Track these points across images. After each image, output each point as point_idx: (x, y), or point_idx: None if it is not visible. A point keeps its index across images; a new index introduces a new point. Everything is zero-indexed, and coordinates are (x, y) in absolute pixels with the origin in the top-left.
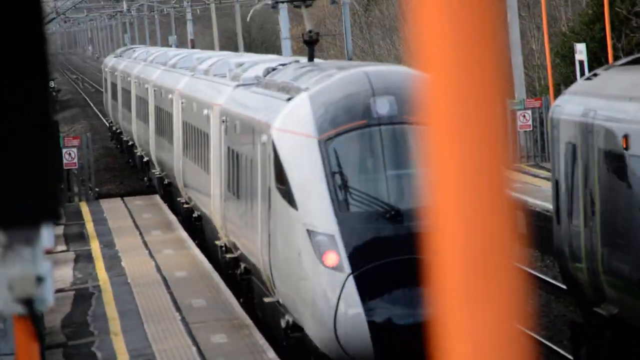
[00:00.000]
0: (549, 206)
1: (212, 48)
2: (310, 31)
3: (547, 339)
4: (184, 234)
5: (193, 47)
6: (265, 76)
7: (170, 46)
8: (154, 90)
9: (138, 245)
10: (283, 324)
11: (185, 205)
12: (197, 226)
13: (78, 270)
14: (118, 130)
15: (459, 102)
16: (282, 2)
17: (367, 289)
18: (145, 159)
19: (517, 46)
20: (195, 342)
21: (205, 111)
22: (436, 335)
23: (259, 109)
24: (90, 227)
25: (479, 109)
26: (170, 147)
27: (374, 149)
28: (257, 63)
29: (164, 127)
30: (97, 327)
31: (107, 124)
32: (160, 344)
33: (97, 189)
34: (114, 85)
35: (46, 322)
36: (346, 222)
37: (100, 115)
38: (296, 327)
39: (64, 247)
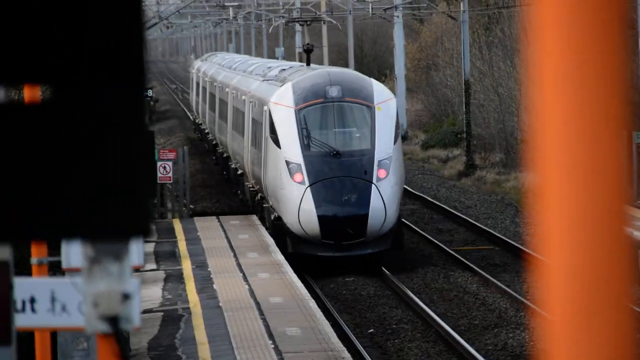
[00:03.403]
0: None
1: (321, 62)
2: (308, 43)
3: None
4: (281, 258)
5: (300, 60)
6: (277, 74)
7: (277, 58)
8: (218, 87)
9: (232, 267)
10: (272, 217)
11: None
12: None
13: (168, 291)
14: (199, 122)
15: (576, 131)
16: (292, 22)
17: (318, 195)
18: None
19: None
20: None
21: (243, 96)
22: None
23: (266, 92)
24: (182, 245)
25: (597, 139)
26: (225, 125)
27: (327, 115)
28: (279, 67)
29: (223, 112)
30: (185, 352)
31: (192, 118)
32: None
33: (191, 206)
34: (197, 85)
35: (132, 343)
36: (308, 157)
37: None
38: (278, 218)
39: (154, 266)
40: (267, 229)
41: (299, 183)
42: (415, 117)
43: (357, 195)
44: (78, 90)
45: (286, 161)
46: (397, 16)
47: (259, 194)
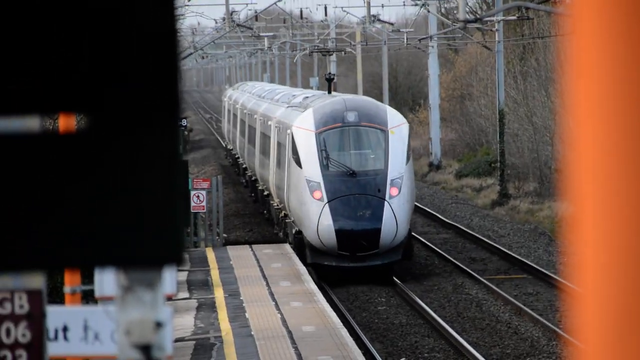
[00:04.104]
0: None
1: (355, 91)
2: (329, 73)
3: None
4: (313, 287)
5: (334, 90)
6: (301, 101)
7: (312, 88)
8: (248, 113)
9: (264, 296)
10: (294, 230)
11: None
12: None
13: (200, 319)
14: (230, 147)
15: (611, 160)
16: (314, 52)
17: (335, 211)
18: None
19: None
20: None
21: (269, 122)
22: None
23: (290, 117)
24: (215, 274)
25: (632, 168)
26: (254, 149)
27: (344, 138)
28: (303, 94)
29: (252, 137)
30: None
31: (224, 145)
32: None
33: (225, 235)
34: (229, 112)
35: None
36: (327, 176)
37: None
38: (299, 232)
39: (186, 294)
40: (289, 242)
41: (318, 200)
42: (449, 146)
43: (371, 211)
44: (113, 120)
45: (307, 180)
46: (432, 46)
47: (283, 212)
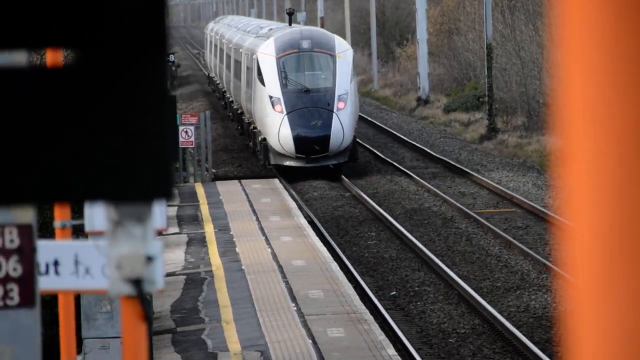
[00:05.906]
0: None
1: (342, 27)
2: (290, 8)
3: None
4: (303, 221)
5: (322, 25)
6: (266, 32)
7: (299, 23)
8: (225, 43)
9: (254, 231)
10: (259, 138)
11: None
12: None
13: (190, 254)
14: (212, 75)
15: (602, 92)
16: None
17: (293, 121)
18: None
19: None
20: (310, 335)
21: (240, 50)
22: None
23: (256, 45)
24: (205, 209)
25: (623, 100)
26: (230, 73)
27: (300, 62)
28: (268, 26)
29: (229, 64)
30: (208, 314)
31: (207, 73)
32: (273, 335)
33: (213, 170)
34: (210, 43)
35: (155, 306)
36: (286, 93)
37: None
38: (264, 139)
39: (176, 229)
40: (256, 150)
41: (279, 112)
42: (437, 81)
43: (322, 121)
44: (100, 55)
45: (269, 96)
46: None
47: (252, 125)
